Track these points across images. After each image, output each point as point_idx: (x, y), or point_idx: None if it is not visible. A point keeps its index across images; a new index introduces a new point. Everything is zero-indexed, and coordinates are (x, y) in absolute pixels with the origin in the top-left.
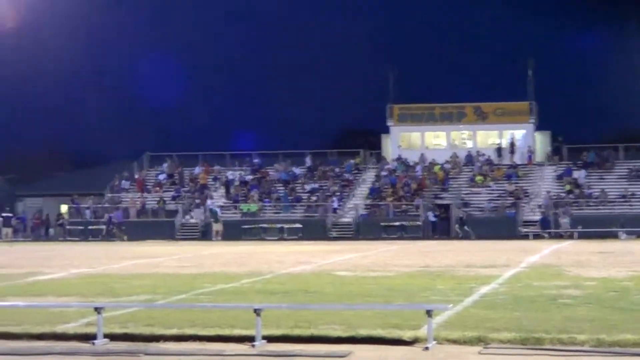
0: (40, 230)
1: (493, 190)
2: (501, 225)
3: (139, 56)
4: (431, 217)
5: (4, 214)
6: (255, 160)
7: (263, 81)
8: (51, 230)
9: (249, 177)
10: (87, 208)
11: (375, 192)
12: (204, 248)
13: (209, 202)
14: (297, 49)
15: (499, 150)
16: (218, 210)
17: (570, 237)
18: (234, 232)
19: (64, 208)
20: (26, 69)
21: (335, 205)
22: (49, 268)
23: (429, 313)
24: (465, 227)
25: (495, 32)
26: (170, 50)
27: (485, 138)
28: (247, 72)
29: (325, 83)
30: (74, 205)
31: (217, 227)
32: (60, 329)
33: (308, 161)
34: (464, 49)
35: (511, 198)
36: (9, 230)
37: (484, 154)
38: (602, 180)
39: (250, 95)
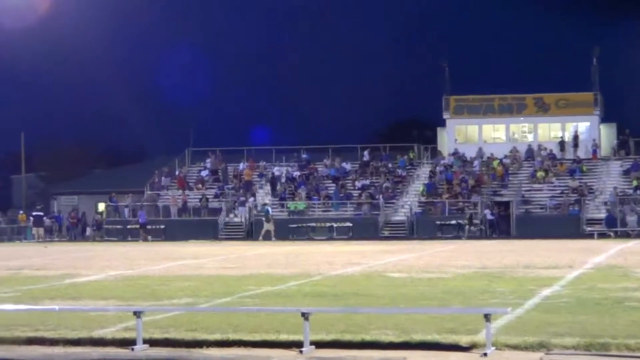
0: (77, 230)
1: (555, 186)
2: (564, 224)
3: (179, 51)
4: (489, 215)
5: (34, 213)
6: (304, 156)
7: (312, 74)
8: (88, 230)
9: (297, 174)
10: (126, 206)
11: (430, 189)
12: (248, 248)
13: (254, 200)
14: (347, 38)
15: (561, 144)
16: (269, 209)
17: (638, 236)
18: (280, 231)
19: (101, 206)
20: (60, 64)
21: (387, 203)
22: (86, 270)
23: (487, 317)
24: (472, 227)
25: (557, 19)
26: (212, 44)
27: (547, 131)
28: (295, 64)
29: (377, 74)
30: (112, 204)
31: (268, 226)
32: (97, 334)
33: (366, 155)
34: (523, 36)
35: (575, 195)
36: (41, 230)
37: (545, 148)
38: None
39: (299, 88)
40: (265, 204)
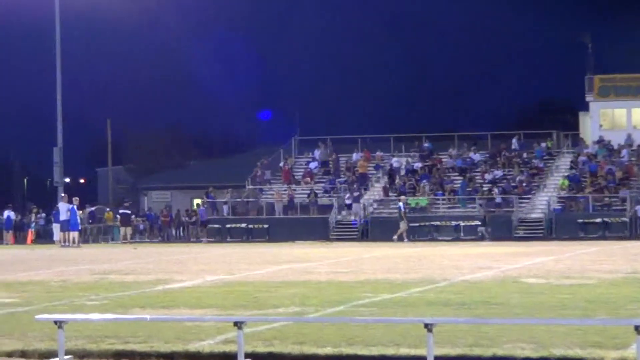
0: (170, 229)
1: None
2: None
3: (287, 34)
4: None
5: (121, 211)
6: (425, 145)
7: (435, 53)
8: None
9: (418, 165)
10: (225, 203)
11: (571, 182)
12: (364, 250)
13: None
14: (471, 14)
15: None
16: (402, 205)
17: None
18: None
19: (196, 203)
20: (153, 46)
21: (521, 198)
22: (181, 274)
23: (638, 329)
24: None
25: None
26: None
27: None
28: (413, 46)
29: (505, 52)
30: (209, 200)
31: (403, 225)
32: (194, 347)
33: (515, 143)
34: None
35: None
36: (128, 230)
37: None
38: None
39: (417, 70)
40: (399, 199)
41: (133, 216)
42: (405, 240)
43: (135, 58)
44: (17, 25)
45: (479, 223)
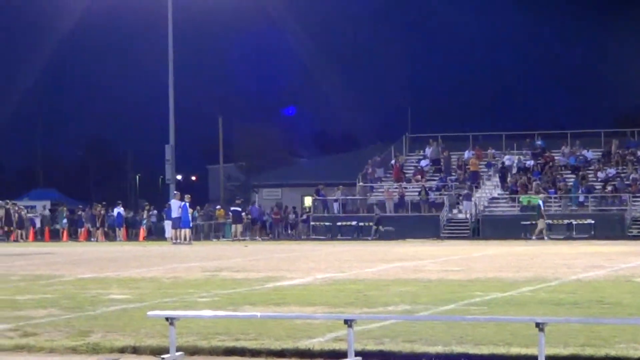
0: (280, 226)
1: None
2: None
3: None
4: None
5: (233, 208)
6: (538, 142)
7: (548, 49)
8: (292, 227)
9: (530, 163)
10: (335, 201)
11: None
12: (475, 249)
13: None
14: (582, 8)
15: None
16: (541, 203)
17: None
18: (510, 229)
19: (307, 200)
20: (261, 47)
21: (635, 197)
22: (291, 272)
23: None
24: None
25: None
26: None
27: None
28: (524, 42)
29: (622, 49)
30: (320, 198)
31: (541, 224)
32: (304, 344)
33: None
34: None
35: None
36: (239, 227)
37: None
38: None
39: (532, 66)
40: (537, 198)
41: (244, 213)
42: (545, 238)
43: (247, 55)
44: (131, 26)
45: (592, 222)
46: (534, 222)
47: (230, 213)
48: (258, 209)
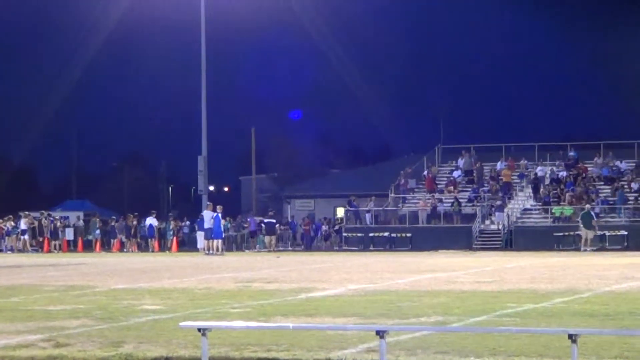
0: (312, 237)
1: None
2: None
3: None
4: None
5: (266, 220)
6: (571, 153)
7: (582, 59)
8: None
9: (563, 174)
10: (367, 212)
11: None
12: (507, 260)
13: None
14: (615, 14)
15: None
16: (594, 214)
17: None
18: (543, 240)
19: (340, 211)
20: (301, 59)
21: None
22: (323, 283)
23: None
24: None
25: None
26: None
27: None
28: (557, 49)
29: None
30: (352, 209)
31: (588, 234)
32: (336, 355)
33: None
34: None
35: None
36: (273, 239)
37: None
38: None
39: (565, 77)
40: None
41: (277, 225)
42: (587, 249)
43: (280, 67)
44: (164, 36)
45: (625, 233)
46: (576, 232)
47: (263, 224)
48: (256, 221)
